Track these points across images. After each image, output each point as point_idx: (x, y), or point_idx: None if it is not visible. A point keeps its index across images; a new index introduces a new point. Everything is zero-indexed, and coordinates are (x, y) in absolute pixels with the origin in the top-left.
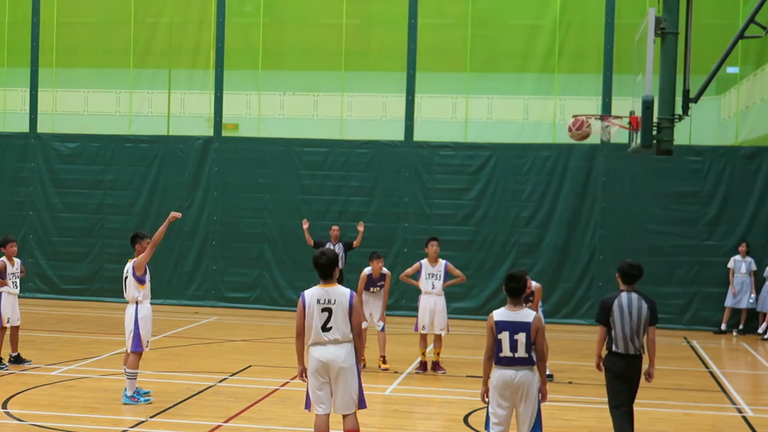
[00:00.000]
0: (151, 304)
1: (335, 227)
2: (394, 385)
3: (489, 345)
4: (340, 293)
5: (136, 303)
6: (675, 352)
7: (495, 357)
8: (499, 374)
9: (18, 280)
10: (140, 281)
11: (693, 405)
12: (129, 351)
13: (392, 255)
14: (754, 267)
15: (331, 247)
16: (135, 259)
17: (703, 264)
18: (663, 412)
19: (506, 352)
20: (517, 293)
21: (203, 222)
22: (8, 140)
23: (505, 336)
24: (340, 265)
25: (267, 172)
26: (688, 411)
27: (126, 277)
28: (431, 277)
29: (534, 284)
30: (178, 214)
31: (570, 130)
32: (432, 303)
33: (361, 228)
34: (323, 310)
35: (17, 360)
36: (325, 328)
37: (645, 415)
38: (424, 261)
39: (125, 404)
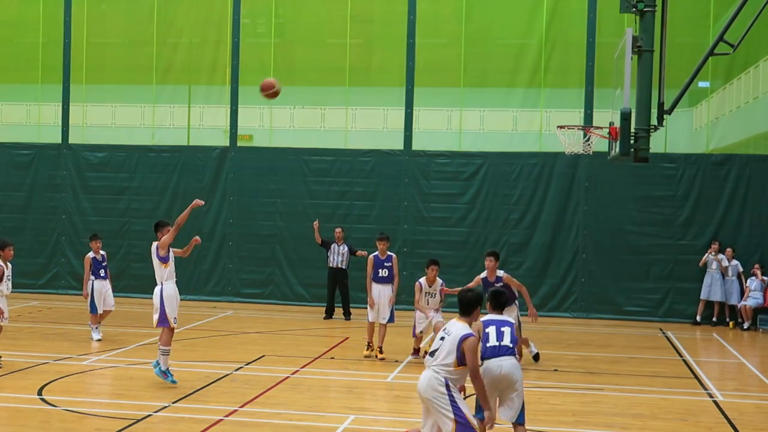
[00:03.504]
0: None
1: (339, 229)
2: (395, 372)
3: (476, 365)
4: (458, 327)
5: (161, 283)
6: (651, 342)
7: (482, 350)
8: (486, 368)
9: (10, 282)
10: (163, 260)
11: (668, 390)
12: (156, 326)
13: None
14: (725, 263)
15: (336, 247)
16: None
17: (677, 262)
18: (641, 396)
19: (493, 341)
20: (499, 306)
21: (220, 224)
22: (42, 151)
23: (492, 329)
24: (344, 264)
25: (278, 179)
26: (664, 396)
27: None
28: (427, 295)
29: (502, 273)
30: (201, 202)
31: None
32: (431, 315)
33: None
34: (441, 338)
35: None
36: (432, 354)
37: (624, 400)
38: (423, 281)
39: (156, 375)
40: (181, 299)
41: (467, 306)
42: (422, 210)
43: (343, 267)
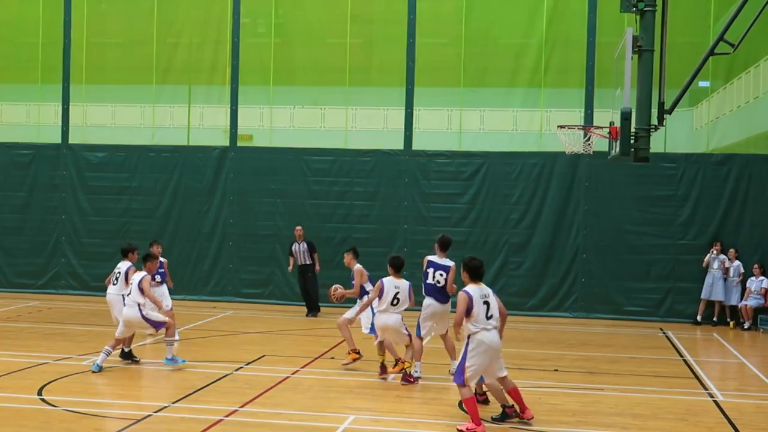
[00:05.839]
0: (174, 299)
1: (299, 228)
2: (395, 372)
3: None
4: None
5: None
6: (651, 342)
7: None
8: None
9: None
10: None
11: (668, 390)
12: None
13: None
14: (727, 264)
15: (297, 245)
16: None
17: (678, 261)
18: (641, 396)
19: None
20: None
21: (220, 224)
22: (42, 151)
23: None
24: (308, 260)
25: (278, 179)
26: (664, 396)
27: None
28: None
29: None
30: None
31: None
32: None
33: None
34: (484, 302)
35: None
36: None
37: (625, 400)
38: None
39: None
40: (181, 299)
41: (478, 270)
42: (422, 210)
43: (308, 262)
